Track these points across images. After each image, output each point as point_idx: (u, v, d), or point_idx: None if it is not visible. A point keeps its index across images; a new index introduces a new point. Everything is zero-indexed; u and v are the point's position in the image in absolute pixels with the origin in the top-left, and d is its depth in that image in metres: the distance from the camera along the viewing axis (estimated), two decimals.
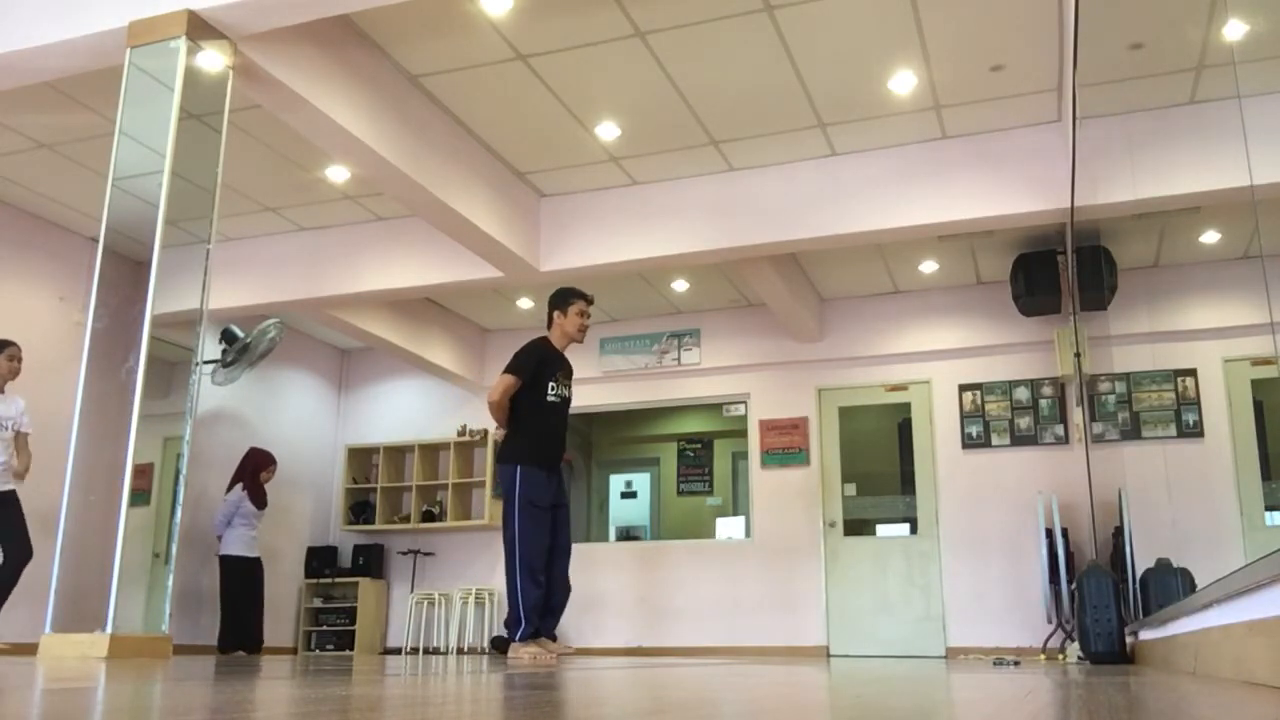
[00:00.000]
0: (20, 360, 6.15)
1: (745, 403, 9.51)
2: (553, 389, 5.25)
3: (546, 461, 5.21)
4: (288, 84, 4.99)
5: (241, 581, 8.05)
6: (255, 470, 8.33)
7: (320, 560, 9.93)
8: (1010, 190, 6.50)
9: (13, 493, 5.98)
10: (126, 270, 4.44)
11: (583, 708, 1.64)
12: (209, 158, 4.54)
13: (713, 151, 6.83)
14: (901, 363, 9.04)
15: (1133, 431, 8.25)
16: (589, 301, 5.47)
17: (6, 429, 5.96)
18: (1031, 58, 5.76)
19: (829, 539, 8.90)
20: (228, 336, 7.83)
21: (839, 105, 6.26)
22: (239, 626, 8.05)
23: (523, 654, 4.92)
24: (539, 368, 5.24)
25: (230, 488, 8.29)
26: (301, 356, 10.12)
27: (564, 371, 5.37)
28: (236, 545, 8.08)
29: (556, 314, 5.42)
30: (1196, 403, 8.13)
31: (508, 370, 5.23)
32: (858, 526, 9.15)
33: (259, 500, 8.28)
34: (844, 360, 9.17)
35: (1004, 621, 8.23)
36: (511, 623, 5.06)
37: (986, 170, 6.56)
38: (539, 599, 5.03)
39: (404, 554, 10.10)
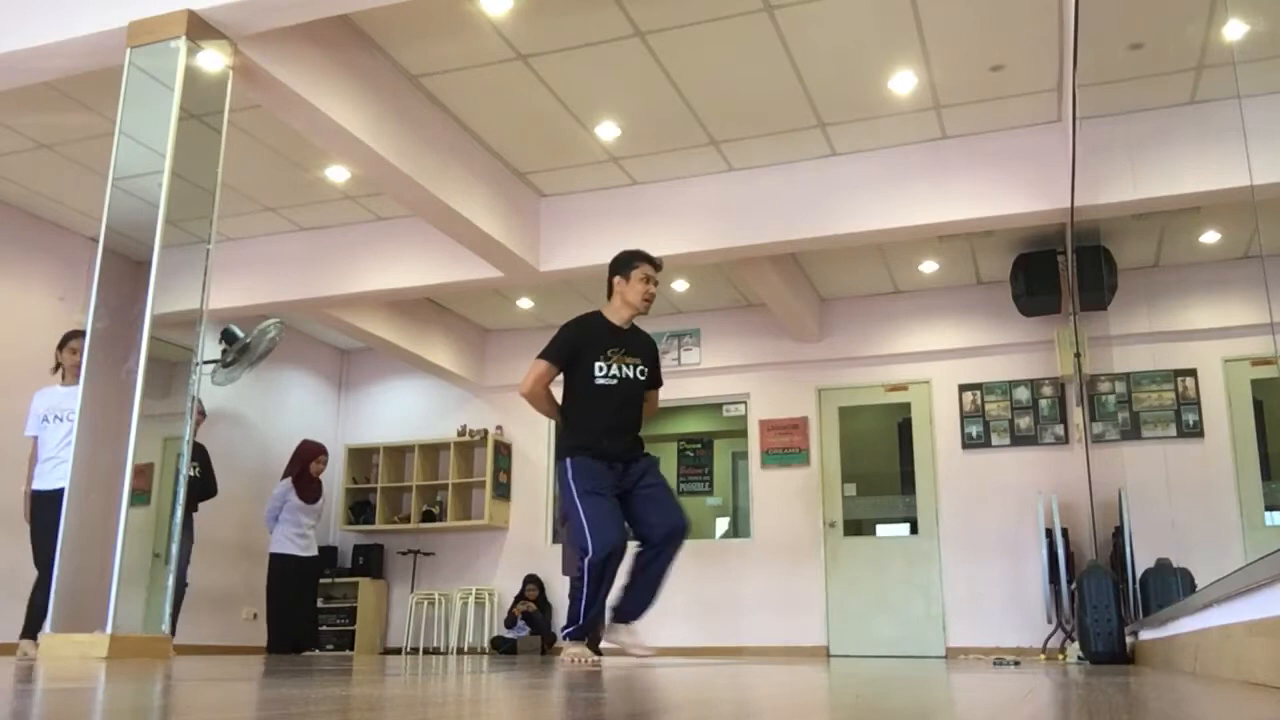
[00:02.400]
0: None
1: (745, 403, 9.51)
2: (601, 369, 4.48)
3: (601, 454, 4.45)
4: (288, 84, 4.99)
5: (287, 580, 7.70)
6: (304, 462, 7.94)
7: (320, 560, 9.93)
8: (1010, 190, 6.50)
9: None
10: (126, 270, 4.43)
11: (581, 707, 1.64)
12: (209, 158, 4.54)
13: (713, 151, 6.83)
14: (901, 363, 9.04)
15: (1133, 431, 8.25)
16: (656, 266, 4.65)
17: (64, 420, 5.47)
18: (1031, 58, 5.76)
19: (829, 539, 8.90)
20: (228, 336, 7.81)
21: (839, 105, 6.26)
22: (288, 626, 7.75)
23: (567, 654, 4.48)
24: (579, 347, 4.52)
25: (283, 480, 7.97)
26: (301, 356, 10.12)
27: (622, 347, 4.56)
28: (283, 543, 7.73)
29: (617, 280, 4.61)
30: (1196, 403, 8.13)
31: (540, 355, 4.53)
32: (858, 526, 9.15)
33: (307, 494, 7.90)
34: (844, 360, 9.17)
35: (1004, 621, 8.23)
36: (572, 618, 4.53)
37: (986, 170, 6.56)
38: (602, 603, 4.42)
39: (404, 554, 10.10)
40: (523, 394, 4.55)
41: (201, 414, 7.00)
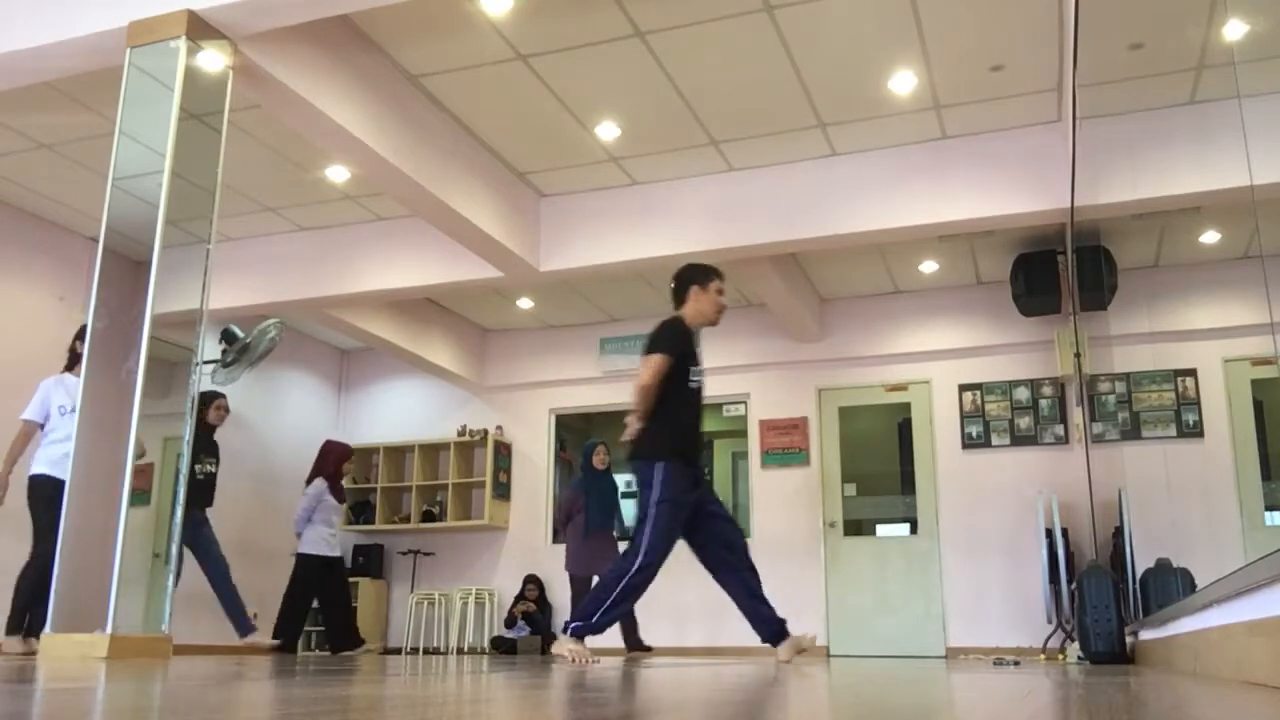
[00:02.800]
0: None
1: (745, 403, 9.51)
2: (694, 372, 4.66)
3: (690, 457, 4.64)
4: (288, 84, 4.99)
5: (320, 582, 7.60)
6: (338, 463, 7.84)
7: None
8: (1010, 190, 6.50)
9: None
10: (126, 270, 4.44)
11: (579, 707, 1.64)
12: (209, 158, 4.54)
13: (713, 151, 6.83)
14: (901, 363, 9.04)
15: (1133, 431, 8.25)
16: (724, 281, 4.88)
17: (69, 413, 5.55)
18: (1031, 58, 5.76)
19: (829, 539, 8.90)
20: (228, 336, 7.81)
21: (839, 105, 6.26)
22: (331, 627, 7.77)
23: (565, 649, 4.48)
24: (683, 347, 4.63)
25: (309, 481, 7.79)
26: (301, 356, 10.12)
27: (697, 356, 4.76)
28: (316, 544, 7.60)
29: (695, 289, 4.75)
30: (1196, 403, 8.13)
31: (657, 350, 4.58)
32: (858, 526, 9.14)
33: (341, 494, 7.85)
34: (844, 360, 9.17)
35: (1004, 621, 8.23)
36: (584, 615, 4.49)
37: (986, 170, 6.56)
38: (625, 612, 4.56)
39: (404, 554, 10.10)
40: (644, 385, 4.55)
41: (225, 409, 7.02)
